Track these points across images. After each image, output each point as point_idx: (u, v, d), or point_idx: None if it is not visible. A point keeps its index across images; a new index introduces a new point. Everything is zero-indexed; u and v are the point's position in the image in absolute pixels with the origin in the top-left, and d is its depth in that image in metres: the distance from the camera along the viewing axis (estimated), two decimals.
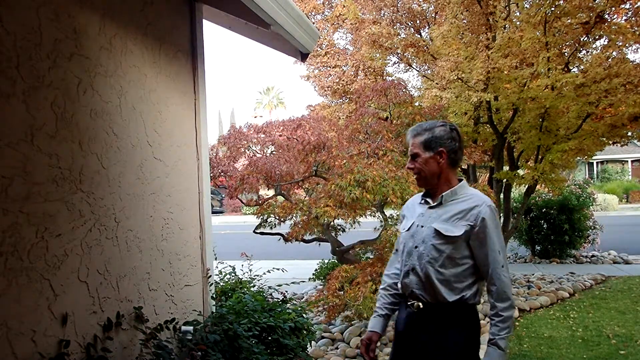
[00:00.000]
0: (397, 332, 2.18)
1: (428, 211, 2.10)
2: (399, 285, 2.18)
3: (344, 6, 9.48)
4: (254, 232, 6.79)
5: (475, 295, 2.02)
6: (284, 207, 6.01)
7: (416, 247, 2.08)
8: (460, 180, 2.12)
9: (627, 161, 31.58)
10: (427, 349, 2.01)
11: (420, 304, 2.05)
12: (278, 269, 4.96)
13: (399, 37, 8.22)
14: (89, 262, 2.19)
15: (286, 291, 4.23)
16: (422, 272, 2.04)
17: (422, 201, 2.17)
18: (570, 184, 10.03)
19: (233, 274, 4.39)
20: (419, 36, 8.72)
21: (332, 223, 6.30)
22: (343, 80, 9.66)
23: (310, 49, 3.47)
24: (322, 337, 5.04)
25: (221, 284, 4.07)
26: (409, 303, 2.10)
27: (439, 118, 6.41)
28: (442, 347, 1.98)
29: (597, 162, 31.12)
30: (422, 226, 2.09)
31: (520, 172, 7.62)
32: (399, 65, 9.70)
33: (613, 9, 6.11)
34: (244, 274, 4.48)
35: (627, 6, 6.24)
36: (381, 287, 2.31)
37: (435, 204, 2.09)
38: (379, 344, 4.87)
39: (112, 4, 2.42)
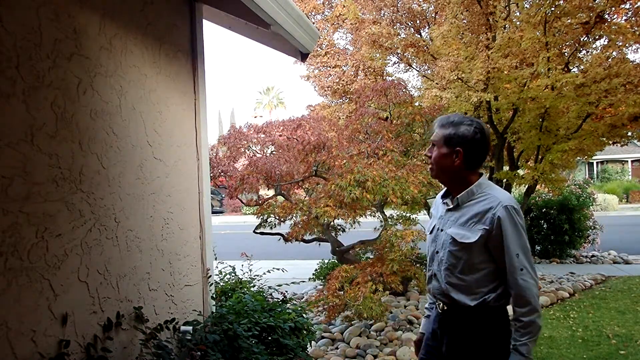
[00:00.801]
0: (428, 331, 2.20)
1: (447, 214, 2.04)
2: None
3: (344, 6, 9.49)
4: (254, 232, 6.79)
5: (499, 297, 1.94)
6: (284, 207, 6.01)
7: (437, 252, 2.04)
8: (480, 175, 2.02)
9: (627, 161, 31.58)
10: (452, 350, 2.00)
11: (445, 306, 2.03)
12: (278, 269, 4.96)
13: (399, 37, 8.22)
14: (89, 262, 2.19)
15: (286, 291, 4.23)
16: (442, 278, 2.01)
17: (443, 201, 2.10)
18: (570, 184, 10.03)
19: (233, 274, 4.39)
20: (419, 36, 8.71)
21: (332, 223, 6.31)
22: (343, 80, 9.66)
23: (310, 49, 3.47)
24: (322, 337, 5.04)
25: (221, 284, 4.06)
26: (436, 304, 2.11)
27: None
28: (466, 349, 1.96)
29: (597, 162, 31.12)
30: (441, 230, 2.04)
31: (520, 172, 7.63)
32: (399, 65, 9.71)
33: (613, 9, 6.12)
34: (244, 274, 4.48)
35: (627, 6, 6.25)
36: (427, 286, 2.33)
37: (452, 206, 2.02)
38: (378, 343, 4.87)
39: (112, 4, 2.42)
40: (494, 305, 1.93)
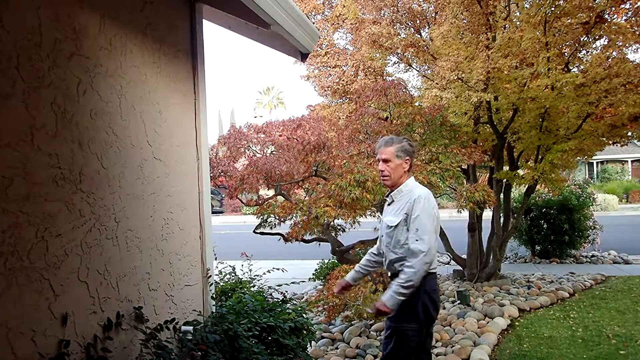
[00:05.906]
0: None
1: (387, 207, 2.83)
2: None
3: (344, 6, 9.47)
4: (254, 232, 6.79)
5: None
6: (284, 207, 6.01)
7: (382, 235, 2.84)
8: (410, 176, 2.78)
9: (627, 161, 31.57)
10: None
11: (392, 274, 2.75)
12: (278, 269, 4.96)
13: (399, 37, 8.20)
14: (89, 262, 2.19)
15: (286, 291, 4.23)
16: (387, 254, 2.77)
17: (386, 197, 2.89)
18: (570, 184, 10.03)
19: (233, 274, 4.39)
20: (419, 36, 8.70)
21: (332, 223, 6.30)
22: (343, 80, 9.64)
23: (310, 49, 3.47)
24: (322, 337, 5.04)
25: (221, 284, 4.07)
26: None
27: (439, 118, 6.42)
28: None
29: (597, 162, 31.11)
30: (382, 220, 2.86)
31: (520, 172, 7.61)
32: (399, 65, 9.68)
33: (613, 9, 6.10)
34: (244, 274, 4.49)
35: (627, 6, 6.23)
36: None
37: (390, 202, 2.79)
38: (378, 343, 4.88)
39: (112, 4, 2.42)
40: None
